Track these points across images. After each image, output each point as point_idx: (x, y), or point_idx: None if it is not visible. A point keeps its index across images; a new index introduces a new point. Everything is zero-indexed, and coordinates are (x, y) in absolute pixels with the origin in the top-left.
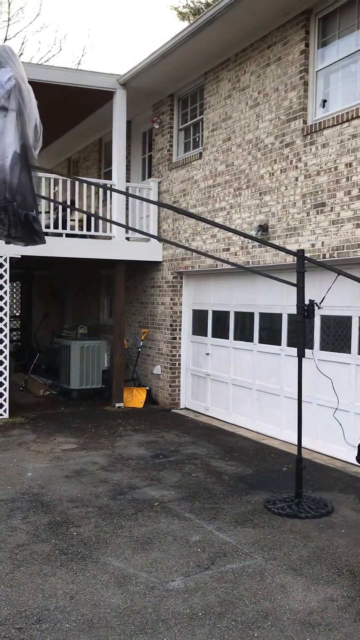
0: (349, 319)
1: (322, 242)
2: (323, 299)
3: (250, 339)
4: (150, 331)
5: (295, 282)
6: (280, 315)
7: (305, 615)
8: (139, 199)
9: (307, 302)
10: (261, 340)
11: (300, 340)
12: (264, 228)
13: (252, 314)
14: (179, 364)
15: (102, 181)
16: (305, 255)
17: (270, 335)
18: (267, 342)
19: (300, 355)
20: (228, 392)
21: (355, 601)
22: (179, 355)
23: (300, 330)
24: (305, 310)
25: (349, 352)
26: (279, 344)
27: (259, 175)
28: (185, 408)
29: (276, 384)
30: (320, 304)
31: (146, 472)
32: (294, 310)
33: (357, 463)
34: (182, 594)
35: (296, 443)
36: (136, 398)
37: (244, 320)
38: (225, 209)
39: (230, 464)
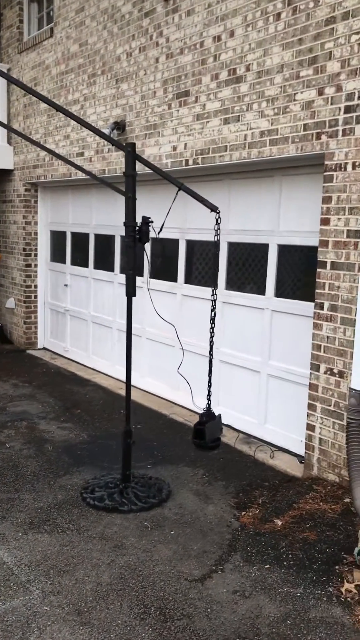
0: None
1: (185, 144)
2: (163, 224)
3: (112, 269)
4: (3, 256)
5: (125, 191)
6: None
7: None
8: None
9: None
10: (123, 270)
11: (129, 273)
12: (119, 126)
13: (113, 237)
14: (36, 297)
15: None
16: (165, 159)
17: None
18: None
19: (130, 294)
20: (88, 330)
21: None
22: (35, 286)
23: (130, 258)
24: (138, 231)
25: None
26: (141, 274)
27: (116, 57)
28: (44, 348)
29: (138, 324)
30: (159, 231)
31: None
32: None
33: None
34: None
35: (157, 393)
36: None
37: (105, 245)
38: (79, 101)
39: (65, 426)
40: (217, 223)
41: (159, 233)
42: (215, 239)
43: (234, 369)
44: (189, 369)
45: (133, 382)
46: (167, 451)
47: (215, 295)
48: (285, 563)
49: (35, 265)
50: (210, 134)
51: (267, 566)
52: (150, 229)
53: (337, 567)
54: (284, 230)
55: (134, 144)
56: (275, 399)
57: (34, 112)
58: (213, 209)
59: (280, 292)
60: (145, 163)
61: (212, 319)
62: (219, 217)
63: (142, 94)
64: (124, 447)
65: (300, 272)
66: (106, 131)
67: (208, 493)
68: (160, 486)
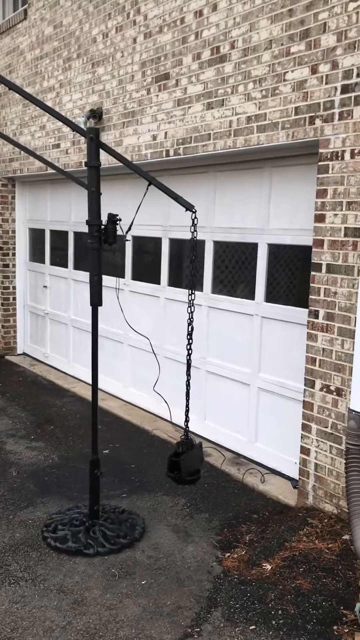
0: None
1: (166, 133)
2: (132, 222)
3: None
4: None
5: (87, 185)
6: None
7: None
8: None
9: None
10: (106, 272)
11: (94, 280)
12: (96, 114)
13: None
14: (14, 299)
15: None
16: (145, 150)
17: (112, 265)
18: (110, 273)
19: (95, 304)
20: (68, 335)
21: None
22: (14, 288)
23: (94, 262)
24: (103, 231)
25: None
26: (123, 275)
27: (91, 38)
28: (24, 354)
29: (119, 328)
30: (128, 230)
31: None
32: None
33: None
34: None
35: (140, 405)
36: None
37: (84, 244)
38: (55, 88)
39: (34, 446)
40: (194, 224)
41: (127, 232)
42: (192, 240)
43: (221, 380)
44: (173, 380)
45: (115, 393)
46: (145, 476)
47: (192, 299)
48: (274, 622)
49: (14, 266)
50: (193, 121)
51: (253, 627)
52: (118, 227)
53: (335, 627)
54: (275, 228)
55: (97, 129)
56: (266, 415)
57: (9, 101)
58: (188, 207)
59: (271, 297)
60: (110, 151)
61: (189, 325)
62: (195, 217)
63: (120, 78)
64: (91, 479)
65: (293, 275)
66: (81, 120)
67: (188, 529)
68: (133, 522)
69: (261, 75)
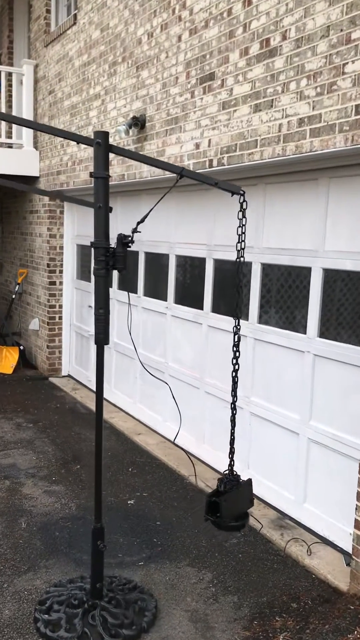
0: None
1: (209, 140)
2: (134, 233)
3: (135, 290)
4: (29, 272)
5: (94, 201)
6: (167, 256)
7: None
8: None
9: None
10: (146, 292)
11: (100, 314)
12: (138, 121)
13: (137, 254)
14: (60, 318)
15: None
16: (187, 160)
17: (157, 286)
18: (153, 295)
19: (101, 342)
20: (110, 360)
21: None
22: (60, 306)
23: (100, 291)
24: (112, 255)
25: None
26: (166, 298)
27: (137, 39)
28: (68, 376)
29: (161, 356)
30: (133, 234)
31: None
32: (185, 251)
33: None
34: None
35: (179, 442)
36: (6, 361)
37: (129, 262)
38: (100, 96)
39: (53, 490)
40: (242, 209)
41: (131, 243)
42: (240, 244)
43: (266, 425)
44: (215, 418)
45: (153, 426)
46: (171, 537)
47: (238, 329)
48: None
49: (61, 283)
50: (238, 126)
51: None
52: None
53: None
54: (331, 249)
55: (107, 132)
56: (317, 471)
57: (58, 111)
58: (234, 190)
59: (326, 332)
60: (123, 153)
61: (235, 363)
62: (243, 199)
63: (163, 81)
64: (93, 552)
65: (353, 308)
66: (121, 129)
67: (210, 618)
68: (143, 605)
69: (316, 69)
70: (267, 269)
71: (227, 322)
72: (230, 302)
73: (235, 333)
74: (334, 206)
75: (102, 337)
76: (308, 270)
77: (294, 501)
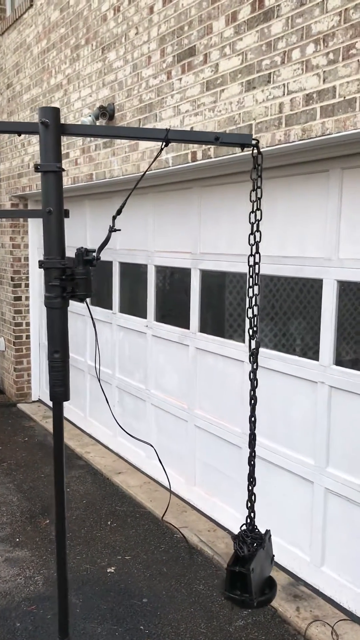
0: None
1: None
2: (101, 248)
3: (109, 306)
4: None
5: (42, 207)
6: (145, 267)
7: None
8: None
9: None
10: (123, 309)
11: (56, 358)
12: (106, 111)
13: (111, 264)
14: (28, 337)
15: None
16: (166, 154)
17: (135, 301)
18: (130, 311)
19: (59, 397)
20: (85, 384)
21: None
22: (27, 324)
23: (55, 326)
24: (69, 279)
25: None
26: (145, 315)
27: (101, 16)
28: (39, 401)
29: (141, 382)
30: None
31: None
32: (179, 263)
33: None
34: None
35: (165, 483)
36: None
37: (102, 273)
38: (62, 85)
39: (16, 556)
40: (256, 165)
41: (96, 260)
42: (254, 227)
43: (273, 470)
44: (208, 458)
45: (135, 463)
46: (161, 622)
47: (255, 352)
48: None
49: (27, 298)
50: (227, 109)
51: None
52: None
53: None
54: (348, 257)
55: (58, 109)
56: (337, 528)
57: (17, 106)
58: (243, 142)
59: (342, 359)
60: (82, 131)
61: (252, 389)
62: (258, 152)
63: (134, 63)
64: None
65: None
66: (86, 120)
67: None
68: None
69: (327, 30)
70: (268, 281)
71: (218, 343)
72: (221, 320)
73: (251, 356)
74: (349, 204)
75: (61, 391)
76: (319, 282)
77: (309, 563)
